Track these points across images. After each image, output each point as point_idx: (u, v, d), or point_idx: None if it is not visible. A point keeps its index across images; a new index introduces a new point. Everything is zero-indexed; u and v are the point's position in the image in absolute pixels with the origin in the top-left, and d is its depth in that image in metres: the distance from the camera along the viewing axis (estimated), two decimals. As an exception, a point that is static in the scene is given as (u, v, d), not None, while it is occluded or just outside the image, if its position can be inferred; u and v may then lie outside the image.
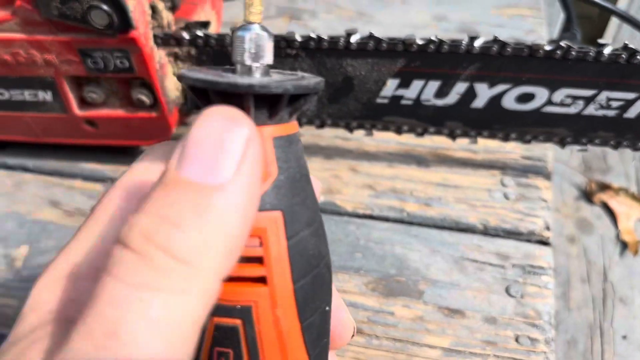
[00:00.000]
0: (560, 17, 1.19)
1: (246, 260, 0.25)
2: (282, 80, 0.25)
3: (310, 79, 0.26)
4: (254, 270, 0.25)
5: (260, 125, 0.25)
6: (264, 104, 0.25)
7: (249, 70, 0.26)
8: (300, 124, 0.65)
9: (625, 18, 0.93)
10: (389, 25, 0.88)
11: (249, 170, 0.21)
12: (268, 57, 0.26)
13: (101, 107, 0.64)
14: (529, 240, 0.63)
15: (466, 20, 0.88)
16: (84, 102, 0.64)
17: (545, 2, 0.95)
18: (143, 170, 0.28)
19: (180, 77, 0.25)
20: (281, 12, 0.92)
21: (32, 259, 0.63)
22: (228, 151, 0.21)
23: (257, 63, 0.26)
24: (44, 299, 0.24)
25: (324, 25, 0.89)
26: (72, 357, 0.19)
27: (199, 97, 0.25)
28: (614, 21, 1.37)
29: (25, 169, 0.73)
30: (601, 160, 1.13)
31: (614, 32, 1.35)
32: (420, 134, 0.64)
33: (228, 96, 0.24)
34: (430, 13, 0.91)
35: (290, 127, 0.27)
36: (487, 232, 0.64)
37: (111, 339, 0.19)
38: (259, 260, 0.25)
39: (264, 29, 0.26)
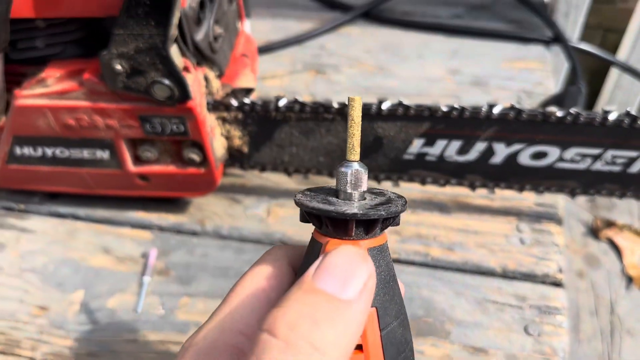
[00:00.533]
0: (565, 66, 1.26)
1: None
2: (375, 205, 0.32)
3: (397, 203, 0.33)
4: (356, 357, 0.32)
5: (359, 240, 0.32)
6: (362, 225, 0.32)
7: (350, 196, 0.33)
8: (332, 175, 0.72)
9: (626, 68, 1.00)
10: (406, 78, 0.95)
11: (367, 296, 0.28)
12: (364, 186, 0.34)
13: (154, 164, 0.70)
14: (543, 282, 0.69)
15: (478, 74, 0.96)
16: (138, 159, 0.71)
17: (551, 54, 1.02)
18: (266, 270, 0.35)
19: (298, 204, 0.33)
20: (307, 67, 0.99)
21: (88, 303, 0.69)
22: (356, 277, 0.28)
23: (356, 191, 0.33)
24: None
25: (347, 79, 0.96)
26: None
27: (312, 218, 0.33)
28: (614, 70, 1.44)
29: (77, 217, 0.79)
30: (606, 199, 1.19)
31: (616, 78, 1.42)
32: (443, 185, 0.70)
33: (337, 220, 0.32)
34: (444, 67, 0.98)
35: (381, 238, 0.34)
36: (506, 275, 0.70)
37: None
38: (359, 347, 0.32)
39: (362, 165, 0.33)
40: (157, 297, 0.69)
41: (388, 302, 0.33)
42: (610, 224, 1.11)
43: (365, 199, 0.34)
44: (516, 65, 0.98)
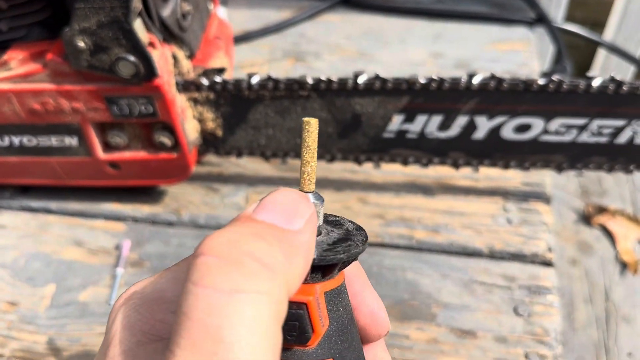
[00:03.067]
0: (550, 49, 1.25)
1: None
2: (333, 244, 0.29)
3: (356, 239, 0.30)
4: None
5: (315, 283, 0.29)
6: (319, 269, 0.29)
7: None
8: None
9: (612, 48, 0.98)
10: (389, 63, 0.93)
11: (312, 227, 0.27)
12: (320, 220, 0.30)
13: (124, 150, 0.68)
14: (533, 262, 0.67)
15: (462, 57, 0.93)
16: (107, 146, 0.68)
17: (535, 36, 1.00)
18: None
19: None
20: (287, 55, 0.97)
21: (59, 297, 0.66)
22: (300, 212, 0.27)
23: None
24: (134, 320, 0.27)
25: (327, 66, 0.93)
26: None
27: None
28: (602, 50, 1.43)
29: (49, 211, 0.76)
30: (597, 184, 1.17)
31: (603, 60, 1.40)
32: (425, 165, 0.68)
33: None
34: (427, 51, 0.96)
35: (339, 279, 0.30)
36: (493, 255, 0.67)
37: (218, 345, 0.21)
38: None
39: (317, 197, 0.29)
40: (131, 289, 0.66)
41: (346, 351, 0.30)
42: (602, 210, 1.09)
43: (321, 233, 0.30)
44: (500, 47, 0.96)
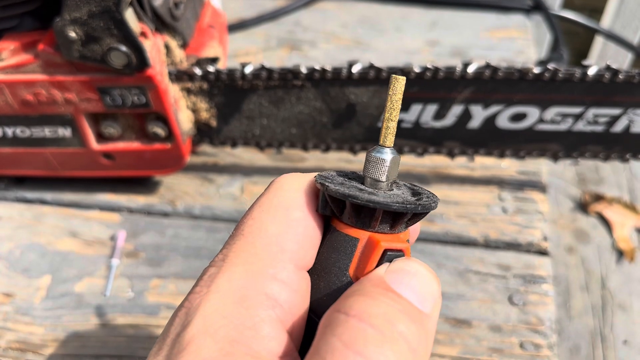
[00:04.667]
0: (547, 36, 1.24)
1: None
2: (405, 198, 0.30)
3: (429, 198, 0.30)
4: None
5: (399, 233, 0.30)
6: (389, 218, 0.29)
7: (377, 185, 0.30)
8: (306, 149, 0.69)
9: (609, 35, 0.97)
10: (384, 51, 0.93)
11: (438, 313, 0.29)
12: (395, 175, 0.31)
13: (118, 140, 0.67)
14: (528, 251, 0.67)
15: (458, 45, 0.93)
16: (101, 137, 0.68)
17: (532, 24, 0.99)
18: (284, 204, 0.31)
19: (324, 187, 0.29)
20: (282, 43, 0.96)
21: (54, 288, 0.66)
22: (432, 293, 0.28)
23: (388, 181, 0.30)
24: (218, 323, 0.26)
25: (323, 54, 0.93)
26: None
27: (335, 202, 0.30)
28: (600, 38, 1.42)
29: (44, 202, 0.76)
30: (594, 172, 1.17)
31: (600, 47, 1.39)
32: (421, 154, 0.67)
33: (362, 207, 0.29)
34: (423, 39, 0.95)
35: (404, 235, 0.31)
36: (488, 245, 0.67)
37: None
38: None
39: (396, 152, 0.30)
40: (127, 280, 0.66)
41: None
42: (599, 197, 1.09)
43: (392, 189, 0.31)
44: (496, 35, 0.95)
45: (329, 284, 0.30)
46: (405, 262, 0.28)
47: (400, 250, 0.30)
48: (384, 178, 0.30)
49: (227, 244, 0.30)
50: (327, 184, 0.29)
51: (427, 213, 0.30)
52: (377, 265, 0.29)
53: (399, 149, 0.67)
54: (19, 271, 0.68)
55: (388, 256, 0.29)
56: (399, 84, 0.29)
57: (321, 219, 0.31)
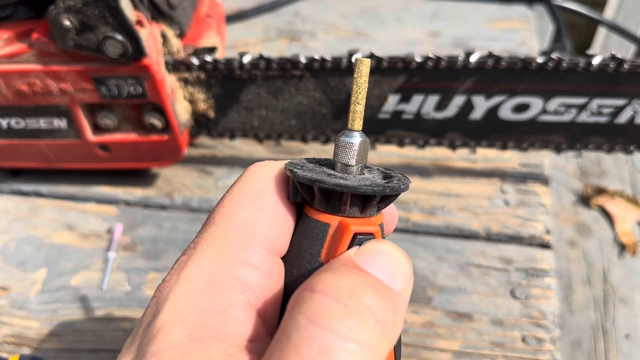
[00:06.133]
0: (549, 28, 1.23)
1: None
2: (374, 181, 0.29)
3: (399, 181, 0.30)
4: None
5: (371, 217, 0.30)
6: (358, 201, 0.29)
7: (348, 170, 0.30)
8: (305, 141, 0.68)
9: (612, 27, 0.96)
10: (385, 42, 0.91)
11: (409, 292, 0.28)
12: (366, 159, 0.30)
13: (114, 132, 0.66)
14: (530, 244, 0.66)
15: (459, 35, 0.92)
16: (97, 128, 0.67)
17: (534, 14, 0.98)
18: (255, 192, 0.30)
19: (292, 174, 0.29)
20: (281, 34, 0.95)
21: (50, 282, 0.65)
22: (402, 271, 0.28)
23: (357, 165, 0.30)
24: (187, 310, 0.26)
25: (323, 45, 0.92)
26: None
27: (304, 189, 0.30)
28: (602, 29, 1.40)
29: (40, 195, 0.75)
30: (596, 165, 1.16)
31: (603, 39, 1.38)
32: (422, 146, 0.66)
33: (331, 192, 0.29)
34: (424, 30, 0.94)
35: (377, 219, 0.30)
36: (490, 238, 0.66)
37: None
38: None
39: (364, 136, 0.30)
40: (123, 273, 0.65)
41: None
42: (601, 191, 1.08)
43: (364, 173, 0.31)
44: (498, 26, 0.94)
45: (301, 270, 0.30)
46: (374, 243, 0.28)
47: (371, 234, 0.29)
48: (353, 162, 0.30)
49: (199, 232, 0.30)
50: (295, 170, 0.29)
51: (397, 195, 0.30)
52: (348, 249, 0.29)
53: (399, 141, 0.66)
54: (15, 264, 0.67)
55: (358, 239, 0.29)
56: (364, 66, 0.29)
57: (294, 207, 0.31)
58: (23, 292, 0.65)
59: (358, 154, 0.29)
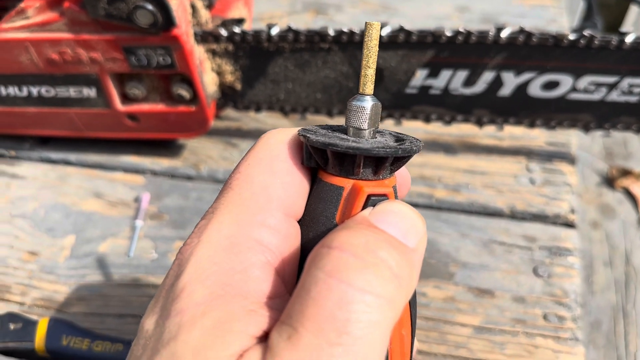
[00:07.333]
0: (580, 5, 1.20)
1: None
2: (386, 144, 0.30)
3: (412, 143, 0.30)
4: None
5: (384, 179, 0.30)
6: (370, 163, 0.29)
7: (360, 134, 0.30)
8: (331, 114, 0.68)
9: (646, 5, 0.94)
10: (413, 17, 0.91)
11: (423, 249, 0.29)
12: (378, 123, 0.31)
13: (142, 102, 0.67)
14: (554, 223, 0.65)
15: (488, 11, 0.90)
16: (126, 98, 0.67)
17: (565, -9, 0.96)
18: (270, 158, 0.31)
19: (306, 139, 0.30)
20: (307, 7, 0.94)
21: (78, 248, 0.67)
22: (417, 229, 0.28)
23: (369, 128, 0.30)
24: (208, 270, 0.27)
25: (349, 19, 0.91)
26: (309, 350, 0.23)
27: (318, 153, 0.30)
28: (634, 9, 1.37)
29: (68, 163, 0.76)
30: (622, 147, 1.14)
31: (635, 18, 1.35)
32: (448, 122, 0.66)
33: (344, 155, 0.29)
34: (452, 4, 0.93)
35: (389, 182, 0.31)
36: (514, 216, 0.66)
37: (343, 337, 0.23)
38: None
39: (376, 100, 0.30)
40: (150, 241, 0.67)
41: None
42: (626, 172, 1.07)
43: (376, 137, 0.31)
44: (528, 2, 0.92)
45: (317, 232, 0.31)
46: (388, 203, 0.29)
47: (384, 195, 0.30)
48: (365, 126, 0.30)
49: (217, 198, 0.31)
50: (309, 135, 0.30)
51: (409, 157, 0.30)
52: (362, 210, 0.30)
53: (426, 117, 0.66)
54: (44, 231, 0.69)
55: (372, 201, 0.29)
56: (374, 29, 0.29)
57: (308, 172, 0.32)
58: (52, 258, 0.66)
59: (370, 118, 0.30)
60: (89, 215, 0.70)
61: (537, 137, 0.73)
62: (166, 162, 0.75)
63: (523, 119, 0.65)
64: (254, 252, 0.28)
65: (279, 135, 0.32)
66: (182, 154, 0.76)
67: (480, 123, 0.66)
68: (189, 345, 0.25)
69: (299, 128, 0.32)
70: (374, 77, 0.30)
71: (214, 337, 0.25)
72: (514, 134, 0.73)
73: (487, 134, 0.73)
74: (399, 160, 0.30)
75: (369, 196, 0.29)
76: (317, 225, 0.31)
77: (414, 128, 0.74)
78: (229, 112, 0.78)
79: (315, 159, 0.30)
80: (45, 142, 0.78)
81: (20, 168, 0.76)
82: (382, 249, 0.26)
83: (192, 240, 0.29)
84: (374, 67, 0.29)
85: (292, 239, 0.30)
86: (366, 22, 0.29)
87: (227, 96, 0.69)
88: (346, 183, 0.30)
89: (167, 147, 0.76)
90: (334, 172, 0.30)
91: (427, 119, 0.66)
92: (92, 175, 0.74)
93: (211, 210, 0.30)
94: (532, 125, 0.65)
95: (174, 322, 0.26)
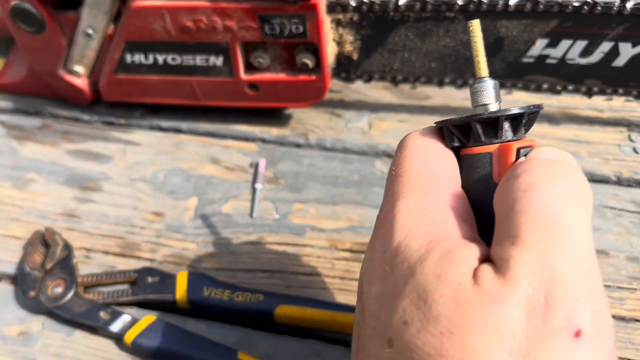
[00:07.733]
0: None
1: None
2: (516, 106, 0.35)
3: (535, 105, 0.35)
4: None
5: (506, 142, 0.34)
6: (509, 125, 0.34)
7: (487, 108, 0.35)
8: (442, 84, 0.71)
9: None
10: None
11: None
12: (500, 99, 0.36)
13: (265, 71, 0.70)
14: (661, 190, 0.68)
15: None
16: (249, 67, 0.71)
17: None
18: (418, 145, 0.37)
19: (448, 121, 0.35)
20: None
21: (202, 209, 0.70)
22: (574, 162, 0.34)
23: (495, 102, 0.35)
24: (414, 228, 0.32)
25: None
26: (536, 245, 0.27)
27: (460, 131, 0.36)
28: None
29: (179, 131, 0.80)
30: None
31: None
32: (559, 92, 0.69)
33: (486, 124, 0.34)
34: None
35: (527, 141, 0.35)
36: (621, 182, 0.69)
37: (559, 229, 0.28)
38: None
39: (493, 78, 0.36)
40: (270, 203, 0.70)
41: None
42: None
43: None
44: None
45: (482, 195, 0.35)
46: (540, 148, 0.33)
47: (530, 146, 0.34)
48: (492, 100, 0.35)
49: (387, 189, 0.35)
50: (449, 120, 0.35)
51: (538, 113, 0.35)
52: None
53: (537, 86, 0.69)
54: (165, 193, 0.72)
55: (522, 152, 0.34)
56: (475, 26, 0.36)
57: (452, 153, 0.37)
58: (177, 218, 0.70)
59: (494, 94, 0.35)
60: (208, 178, 0.73)
61: (636, 109, 0.76)
62: (275, 131, 0.78)
63: (632, 90, 0.67)
64: (444, 210, 0.32)
65: (415, 133, 0.37)
66: (289, 123, 0.79)
67: (589, 93, 0.68)
68: (429, 273, 0.29)
69: (426, 127, 0.37)
70: (486, 61, 0.35)
71: (447, 263, 0.29)
72: (614, 106, 0.76)
73: (588, 105, 0.76)
74: (531, 119, 0.35)
75: (518, 149, 0.34)
76: (479, 189, 0.35)
77: (514, 100, 0.77)
78: (333, 83, 0.81)
79: (457, 137, 0.35)
80: (156, 111, 0.82)
81: (134, 135, 0.80)
82: (559, 163, 0.31)
83: (385, 219, 0.33)
84: (484, 55, 0.35)
85: (467, 201, 0.35)
86: (467, 23, 0.36)
87: (342, 66, 0.72)
88: (492, 148, 0.34)
89: (275, 116, 0.79)
90: (479, 143, 0.34)
91: (539, 88, 0.69)
92: (205, 142, 0.78)
93: (387, 199, 0.34)
94: (639, 97, 0.67)
95: (403, 269, 0.30)
